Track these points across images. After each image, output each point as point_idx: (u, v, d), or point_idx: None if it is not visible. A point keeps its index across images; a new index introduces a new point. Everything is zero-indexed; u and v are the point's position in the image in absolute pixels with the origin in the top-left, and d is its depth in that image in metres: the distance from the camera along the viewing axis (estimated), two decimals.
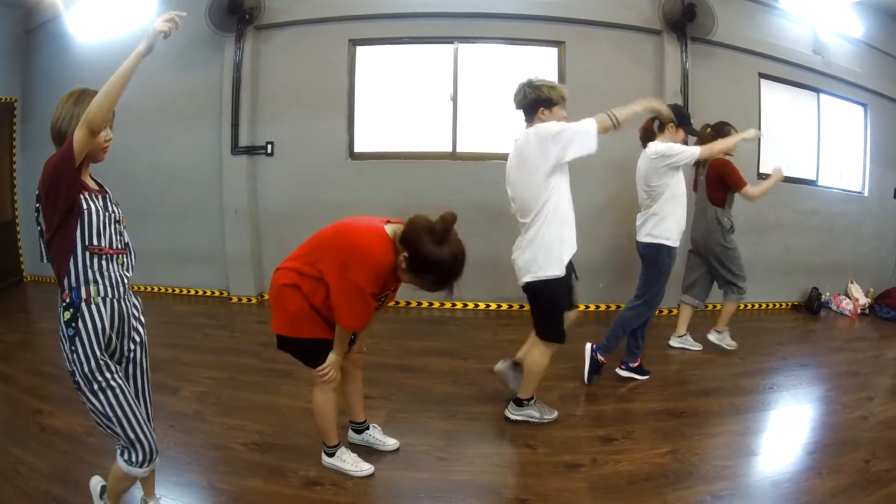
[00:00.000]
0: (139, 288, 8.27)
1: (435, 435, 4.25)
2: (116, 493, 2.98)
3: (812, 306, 7.58)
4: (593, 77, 7.19)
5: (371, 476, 3.67)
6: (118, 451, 2.74)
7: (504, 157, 7.04)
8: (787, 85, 7.76)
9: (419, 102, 7.66)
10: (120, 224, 2.85)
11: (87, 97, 2.61)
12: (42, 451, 3.71)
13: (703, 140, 5.27)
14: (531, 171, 4.00)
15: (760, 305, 7.83)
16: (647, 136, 5.14)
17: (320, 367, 3.43)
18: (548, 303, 4.13)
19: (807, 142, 8.04)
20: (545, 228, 3.99)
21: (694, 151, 4.79)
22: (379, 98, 7.73)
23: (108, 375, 2.58)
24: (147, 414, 2.82)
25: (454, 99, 7.51)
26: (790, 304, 7.89)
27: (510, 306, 7.42)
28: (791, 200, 7.56)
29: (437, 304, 7.63)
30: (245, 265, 7.88)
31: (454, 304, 7.53)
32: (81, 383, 2.58)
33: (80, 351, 2.55)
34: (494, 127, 7.46)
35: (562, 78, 7.30)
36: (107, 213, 2.79)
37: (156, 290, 8.40)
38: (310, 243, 3.38)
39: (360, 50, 7.63)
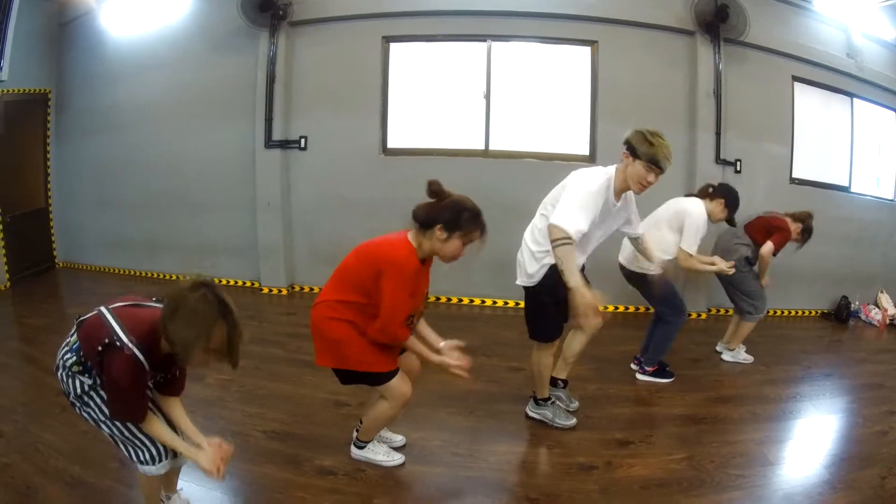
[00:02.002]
0: (173, 277, 8.40)
1: (452, 430, 4.29)
2: (150, 496, 3.06)
3: (841, 315, 7.50)
4: (625, 77, 7.18)
5: (401, 467, 3.76)
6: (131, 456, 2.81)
7: (537, 155, 7.04)
8: (820, 89, 7.67)
9: (452, 100, 7.67)
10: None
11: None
12: (62, 431, 3.79)
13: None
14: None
15: (789, 312, 7.76)
16: (701, 191, 5.29)
17: (396, 381, 3.50)
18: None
19: (840, 147, 7.93)
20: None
21: (688, 249, 4.97)
22: (412, 95, 7.75)
23: (92, 394, 2.68)
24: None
25: (487, 97, 7.50)
26: (819, 311, 7.81)
27: None
28: (823, 206, 7.44)
29: (465, 301, 7.66)
30: (276, 257, 7.97)
31: (483, 301, 7.55)
32: (77, 404, 2.70)
33: (77, 382, 2.66)
34: (527, 126, 7.47)
35: (594, 77, 7.29)
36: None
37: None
38: (339, 274, 3.44)
39: (393, 47, 7.66)
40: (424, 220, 3.25)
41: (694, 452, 3.96)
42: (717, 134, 7.11)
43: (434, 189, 3.26)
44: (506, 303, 7.58)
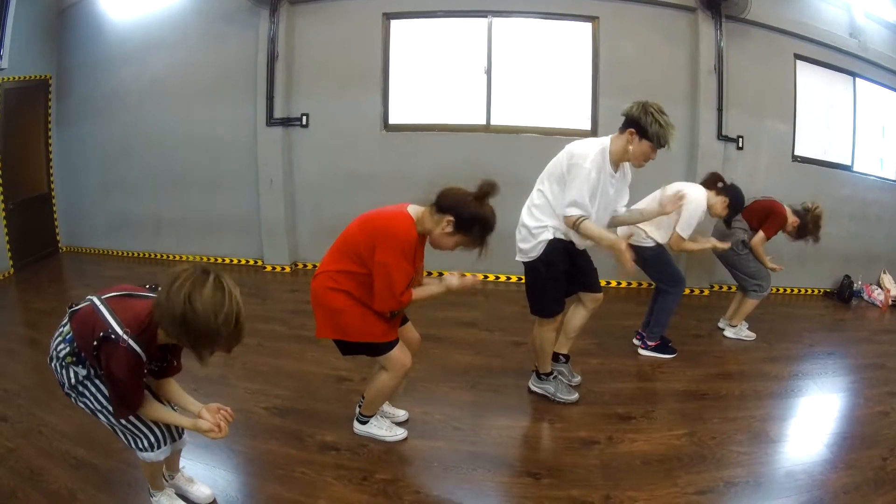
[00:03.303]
0: (175, 257, 8.41)
1: (454, 405, 4.31)
2: (152, 481, 3.08)
3: (844, 294, 7.49)
4: (627, 53, 7.15)
5: (403, 442, 3.78)
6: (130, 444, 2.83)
7: (538, 130, 7.01)
8: (822, 67, 7.61)
9: (453, 75, 7.64)
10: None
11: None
12: (67, 413, 3.80)
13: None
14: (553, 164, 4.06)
15: (792, 290, 7.76)
16: (709, 181, 5.26)
17: (396, 351, 3.54)
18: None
19: (842, 126, 7.89)
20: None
21: (682, 233, 4.97)
22: (413, 71, 7.73)
23: (87, 383, 2.68)
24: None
25: (488, 72, 7.48)
26: (822, 290, 7.81)
27: None
28: (826, 185, 7.45)
29: (468, 276, 7.60)
30: (279, 234, 7.98)
31: (485, 276, 7.53)
32: (72, 394, 2.70)
33: (70, 372, 2.66)
34: (528, 101, 7.44)
35: (595, 54, 7.26)
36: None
37: (191, 259, 8.50)
38: (339, 245, 3.46)
39: (394, 23, 7.63)
40: (445, 204, 3.26)
41: (695, 428, 3.96)
42: (719, 111, 7.07)
43: (483, 189, 3.28)
44: (508, 278, 7.58)
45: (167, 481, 3.18)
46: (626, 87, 6.97)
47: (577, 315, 4.44)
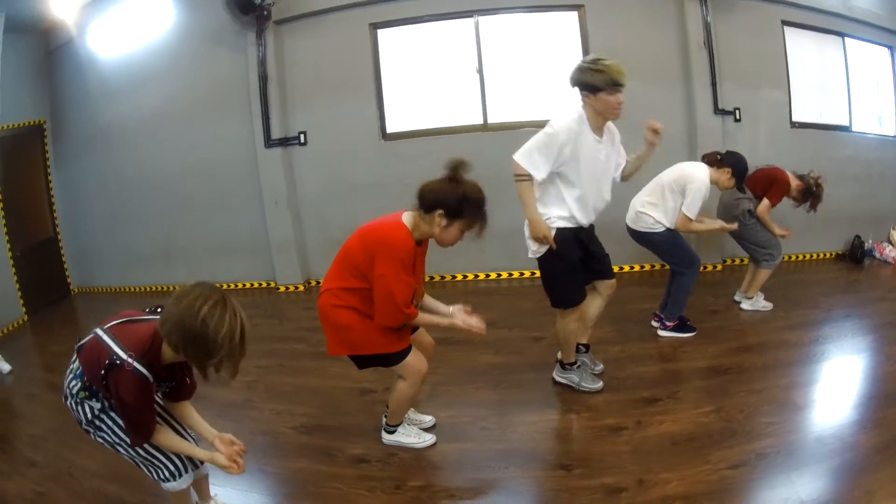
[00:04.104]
0: None
1: (479, 405, 4.32)
2: None
3: (855, 255, 7.46)
4: (616, 40, 7.11)
5: (432, 447, 3.80)
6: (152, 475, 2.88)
7: (536, 124, 7.02)
8: (811, 31, 7.57)
9: (446, 78, 7.66)
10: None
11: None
12: (94, 452, 3.82)
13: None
14: None
15: (805, 256, 7.73)
16: (708, 160, 5.26)
17: (411, 358, 3.53)
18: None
19: (837, 88, 7.87)
20: None
21: (688, 214, 4.95)
22: (406, 77, 7.76)
23: (103, 416, 2.71)
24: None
25: (480, 71, 7.49)
26: (834, 253, 7.77)
27: None
28: (827, 148, 7.43)
29: (482, 276, 7.69)
30: (289, 253, 8.02)
31: (499, 275, 7.56)
32: (90, 430, 2.73)
33: (86, 408, 2.69)
34: (524, 96, 7.45)
35: (584, 42, 7.25)
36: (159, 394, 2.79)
37: None
38: (339, 260, 3.46)
39: (381, 33, 7.66)
40: (428, 203, 3.25)
41: (722, 404, 3.96)
42: (713, 85, 7.05)
43: (453, 169, 3.25)
44: (521, 274, 7.58)
45: None
46: None
47: (593, 304, 4.42)
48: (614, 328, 5.43)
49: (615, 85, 3.77)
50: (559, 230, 3.99)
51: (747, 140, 7.08)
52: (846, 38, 7.74)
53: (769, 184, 5.58)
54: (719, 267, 7.43)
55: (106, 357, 2.47)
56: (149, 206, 8.53)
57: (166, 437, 2.71)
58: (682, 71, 7.16)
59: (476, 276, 7.69)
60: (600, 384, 4.35)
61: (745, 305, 5.84)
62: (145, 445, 2.74)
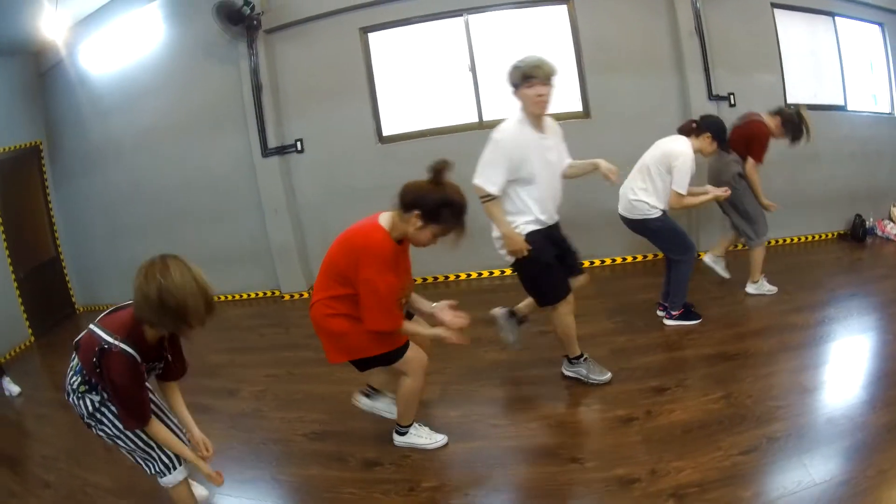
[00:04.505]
0: None
1: (488, 403, 4.35)
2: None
3: (857, 234, 7.45)
4: (606, 31, 7.13)
5: (444, 447, 3.81)
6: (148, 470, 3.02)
7: None
8: (800, 12, 7.56)
9: (440, 78, 7.66)
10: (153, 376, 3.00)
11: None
12: (108, 469, 3.85)
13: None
14: None
15: (806, 238, 7.71)
16: (685, 131, 5.17)
17: (409, 353, 3.56)
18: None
19: (830, 68, 7.86)
20: None
21: (679, 190, 4.91)
22: (400, 80, 7.75)
23: (104, 409, 2.85)
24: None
25: (472, 69, 7.48)
26: (836, 233, 7.76)
27: None
28: (823, 128, 7.36)
29: (485, 274, 7.68)
30: (292, 261, 8.02)
31: (502, 272, 7.52)
32: (91, 423, 2.86)
33: (87, 401, 2.84)
34: None
35: (575, 35, 7.24)
36: (149, 375, 2.93)
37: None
38: (325, 269, 3.49)
39: (371, 36, 7.66)
40: (408, 202, 3.26)
41: (731, 390, 3.96)
42: (706, 71, 7.04)
43: (437, 169, 3.25)
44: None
45: None
46: (611, 63, 7.03)
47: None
48: (620, 319, 5.44)
49: (528, 78, 3.87)
50: (529, 234, 4.05)
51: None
52: (836, 18, 7.73)
53: (748, 142, 5.56)
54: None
55: (96, 345, 2.64)
56: (149, 221, 8.53)
57: (159, 430, 2.86)
58: (675, 59, 7.15)
59: (479, 273, 7.68)
60: (608, 375, 4.35)
61: (750, 289, 5.82)
62: (141, 436, 2.86)
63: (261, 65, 7.60)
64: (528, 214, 4.06)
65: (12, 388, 6.15)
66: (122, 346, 2.61)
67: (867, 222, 7.48)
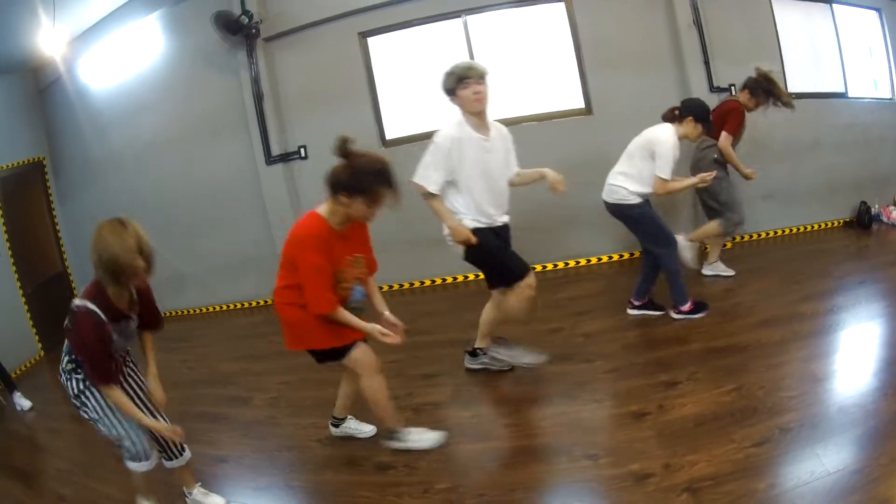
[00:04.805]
0: (203, 310, 8.52)
1: (501, 402, 4.38)
2: (138, 489, 3.42)
3: (863, 221, 7.43)
4: (605, 28, 7.14)
5: (441, 447, 3.82)
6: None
7: (535, 118, 6.96)
8: (798, 1, 7.56)
9: (440, 80, 7.61)
10: (131, 338, 3.22)
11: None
12: (120, 481, 3.85)
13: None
14: None
15: (812, 227, 7.69)
16: (668, 117, 5.17)
17: (355, 352, 3.66)
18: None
19: (829, 55, 7.85)
20: None
21: (662, 175, 4.92)
22: (401, 83, 7.76)
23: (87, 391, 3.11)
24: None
25: None
26: (842, 221, 7.74)
27: (566, 264, 7.41)
28: (825, 117, 7.40)
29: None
30: None
31: None
32: (77, 404, 3.15)
33: (74, 381, 3.11)
34: (519, 90, 7.43)
35: (574, 32, 7.25)
36: (120, 336, 3.10)
37: (215, 308, 8.62)
38: (281, 261, 3.61)
39: (371, 41, 7.68)
40: (330, 188, 3.44)
41: (742, 382, 3.96)
42: (706, 63, 7.05)
43: (340, 148, 3.43)
44: (532, 269, 7.50)
45: (188, 498, 3.50)
46: (611, 58, 7.03)
47: (494, 309, 4.58)
48: (629, 314, 5.45)
49: (463, 79, 4.07)
50: (474, 230, 4.16)
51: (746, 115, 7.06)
52: (834, 5, 7.73)
53: (723, 119, 5.62)
54: (728, 245, 7.41)
55: (69, 312, 2.91)
56: (154, 233, 8.41)
57: (120, 396, 3.03)
58: (674, 52, 7.14)
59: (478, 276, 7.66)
60: (540, 358, 4.58)
61: (706, 271, 6.00)
62: (122, 423, 3.13)
63: (261, 73, 7.64)
64: (471, 212, 4.18)
65: (24, 403, 6.19)
66: (89, 305, 2.85)
67: (872, 209, 7.46)
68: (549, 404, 4.19)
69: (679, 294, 5.23)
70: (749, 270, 5.97)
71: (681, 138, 5.02)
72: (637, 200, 5.04)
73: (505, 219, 4.34)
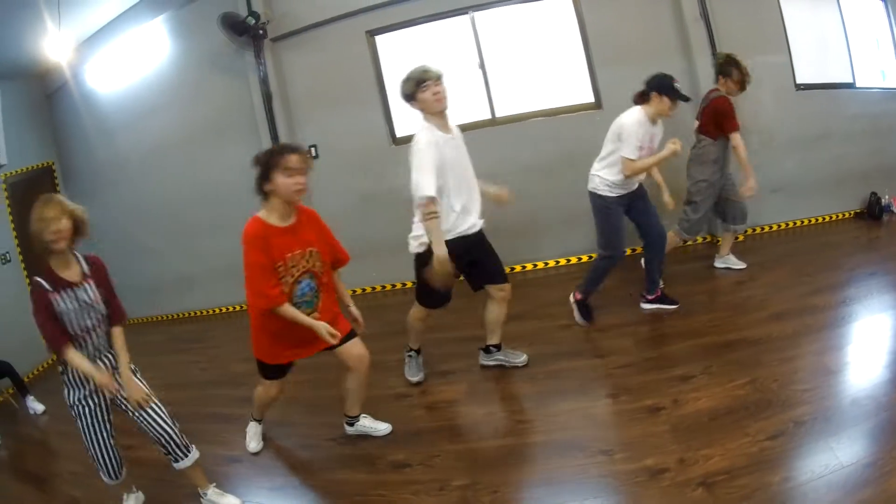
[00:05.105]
0: (214, 311, 8.55)
1: (515, 399, 4.40)
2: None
3: (873, 211, 7.40)
4: (611, 21, 7.13)
5: (457, 445, 3.88)
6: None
7: (544, 113, 6.91)
8: None
9: (449, 77, 7.62)
10: (92, 307, 3.41)
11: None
12: (137, 483, 3.88)
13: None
14: None
15: (822, 219, 7.66)
16: (636, 100, 5.18)
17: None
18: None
19: (837, 46, 7.81)
20: None
21: (628, 156, 4.92)
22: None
23: (78, 409, 3.40)
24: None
25: (482, 66, 7.50)
26: (852, 212, 7.71)
27: (579, 259, 7.39)
28: (834, 107, 7.37)
29: (507, 270, 7.61)
30: None
31: (524, 267, 7.55)
32: (71, 414, 3.44)
33: (66, 391, 3.40)
34: (528, 86, 7.44)
35: (581, 26, 7.25)
36: (77, 304, 3.34)
37: (225, 309, 8.67)
38: None
39: (379, 39, 7.70)
40: (257, 188, 3.69)
41: (756, 375, 3.97)
42: (714, 56, 7.01)
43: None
44: (546, 264, 7.54)
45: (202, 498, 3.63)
46: (619, 52, 7.02)
47: (489, 309, 4.66)
48: (644, 309, 5.46)
49: (422, 82, 4.20)
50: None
51: (754, 107, 7.03)
52: None
53: (716, 119, 5.60)
54: (741, 237, 7.37)
55: None
56: (164, 236, 8.63)
57: (74, 356, 3.22)
58: (681, 45, 7.13)
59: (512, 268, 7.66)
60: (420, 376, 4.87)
61: (718, 264, 6.13)
62: (90, 442, 3.46)
63: (269, 73, 7.67)
64: (447, 224, 4.19)
65: (36, 407, 6.23)
66: (36, 278, 3.26)
67: (883, 199, 7.43)
68: (563, 400, 4.20)
69: (588, 285, 5.36)
70: (759, 263, 5.97)
71: (654, 118, 5.02)
72: (606, 193, 5.07)
73: (480, 223, 4.39)
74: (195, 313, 8.91)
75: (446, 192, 4.16)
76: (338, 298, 4.01)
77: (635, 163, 4.93)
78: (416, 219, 4.25)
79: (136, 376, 3.49)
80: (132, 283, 8.80)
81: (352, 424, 4.22)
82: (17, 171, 8.23)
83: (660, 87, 4.96)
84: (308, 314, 3.64)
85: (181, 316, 8.96)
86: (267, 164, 3.56)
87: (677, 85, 4.94)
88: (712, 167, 5.60)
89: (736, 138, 5.49)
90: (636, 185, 5.18)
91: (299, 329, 3.61)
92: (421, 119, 4.29)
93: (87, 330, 3.34)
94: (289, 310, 3.54)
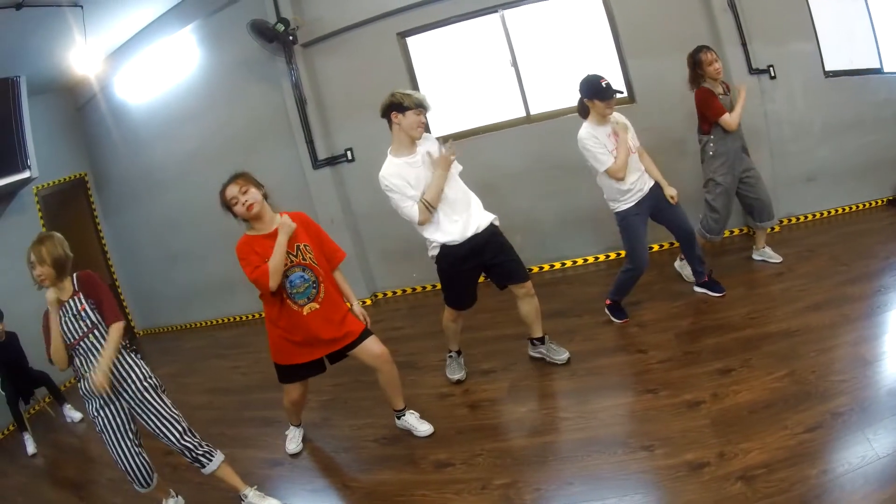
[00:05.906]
0: (255, 315, 8.74)
1: (556, 396, 4.46)
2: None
3: None
4: (641, 14, 7.09)
5: (498, 443, 3.90)
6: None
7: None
8: None
9: (483, 76, 7.69)
10: (79, 317, 3.74)
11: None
12: (179, 489, 3.98)
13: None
14: None
15: (854, 207, 7.59)
16: (580, 113, 5.25)
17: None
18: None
19: (863, 31, 7.71)
20: None
21: (600, 167, 4.96)
22: (443, 81, 7.81)
23: (97, 420, 3.72)
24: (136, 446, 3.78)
25: (514, 64, 7.50)
26: (884, 200, 7.63)
27: (617, 254, 7.31)
28: (863, 94, 7.27)
29: (546, 267, 7.68)
30: (352, 269, 8.04)
31: (563, 264, 7.56)
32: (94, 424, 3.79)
33: (85, 403, 3.74)
34: (562, 82, 7.41)
35: (611, 19, 7.22)
36: (67, 317, 3.71)
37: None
38: None
39: (410, 41, 7.74)
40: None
41: (794, 367, 3.98)
42: (744, 45, 6.99)
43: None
44: (585, 260, 7.52)
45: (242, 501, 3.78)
46: (650, 44, 6.98)
47: (520, 306, 4.70)
48: (682, 302, 5.47)
49: (420, 106, 4.34)
50: (437, 256, 4.45)
51: (785, 96, 6.98)
52: None
53: (702, 114, 5.61)
54: (776, 228, 7.32)
55: None
56: (202, 242, 8.75)
57: (57, 346, 3.65)
58: (711, 34, 7.07)
59: (541, 267, 7.67)
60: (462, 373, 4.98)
61: (756, 256, 6.07)
62: (112, 447, 3.70)
63: (302, 78, 7.74)
64: (438, 232, 4.42)
65: (74, 415, 6.39)
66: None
67: None
68: (604, 397, 4.25)
69: (615, 294, 5.42)
70: (795, 254, 5.94)
71: (600, 124, 5.04)
72: (622, 207, 5.07)
73: (484, 222, 4.48)
74: (237, 318, 9.03)
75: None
76: (345, 295, 4.22)
77: (611, 169, 4.94)
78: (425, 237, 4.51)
79: (157, 393, 3.76)
80: (171, 290, 8.97)
81: (399, 417, 4.34)
82: (49, 183, 8.42)
83: (588, 95, 5.03)
84: (305, 305, 3.95)
85: (223, 321, 9.08)
86: (224, 204, 4.05)
87: (605, 83, 4.95)
88: (717, 163, 5.56)
89: (724, 120, 5.44)
90: (650, 184, 5.15)
91: (304, 324, 3.92)
92: (388, 153, 4.53)
93: (79, 337, 3.68)
94: (272, 262, 3.90)
